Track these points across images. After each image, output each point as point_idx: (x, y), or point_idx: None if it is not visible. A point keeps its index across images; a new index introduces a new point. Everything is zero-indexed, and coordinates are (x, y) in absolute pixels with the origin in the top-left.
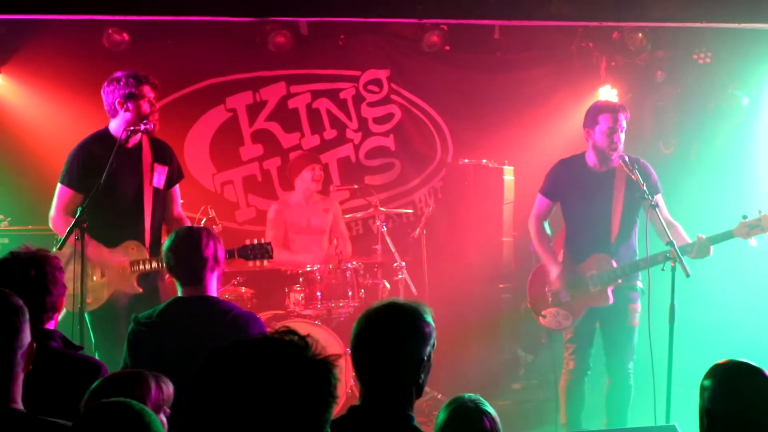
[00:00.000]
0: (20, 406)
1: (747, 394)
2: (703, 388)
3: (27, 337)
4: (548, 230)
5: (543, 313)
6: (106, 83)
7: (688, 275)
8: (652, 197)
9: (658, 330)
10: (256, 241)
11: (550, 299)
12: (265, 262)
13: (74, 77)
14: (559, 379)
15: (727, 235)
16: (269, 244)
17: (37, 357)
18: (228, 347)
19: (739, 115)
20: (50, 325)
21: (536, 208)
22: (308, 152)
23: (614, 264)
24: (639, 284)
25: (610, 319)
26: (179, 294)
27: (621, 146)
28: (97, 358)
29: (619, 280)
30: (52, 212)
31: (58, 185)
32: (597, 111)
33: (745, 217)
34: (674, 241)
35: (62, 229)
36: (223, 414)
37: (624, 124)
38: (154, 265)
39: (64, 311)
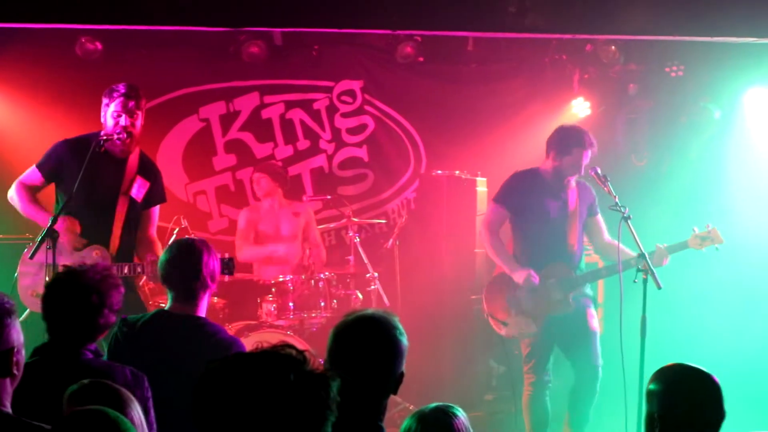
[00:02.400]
0: (8, 409)
1: (696, 396)
2: (650, 393)
3: (8, 341)
4: None
5: (505, 320)
6: None
7: (659, 287)
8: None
9: (629, 343)
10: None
11: (511, 307)
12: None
13: (45, 85)
14: (520, 394)
15: (683, 246)
16: (231, 259)
17: (72, 371)
18: (226, 359)
19: (712, 128)
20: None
21: (489, 216)
22: (259, 161)
23: (572, 273)
24: (588, 290)
25: (569, 325)
26: (168, 305)
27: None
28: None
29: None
30: (15, 184)
31: (33, 166)
32: (572, 142)
33: (695, 229)
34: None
35: (16, 200)
36: (221, 426)
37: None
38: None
39: (27, 311)
